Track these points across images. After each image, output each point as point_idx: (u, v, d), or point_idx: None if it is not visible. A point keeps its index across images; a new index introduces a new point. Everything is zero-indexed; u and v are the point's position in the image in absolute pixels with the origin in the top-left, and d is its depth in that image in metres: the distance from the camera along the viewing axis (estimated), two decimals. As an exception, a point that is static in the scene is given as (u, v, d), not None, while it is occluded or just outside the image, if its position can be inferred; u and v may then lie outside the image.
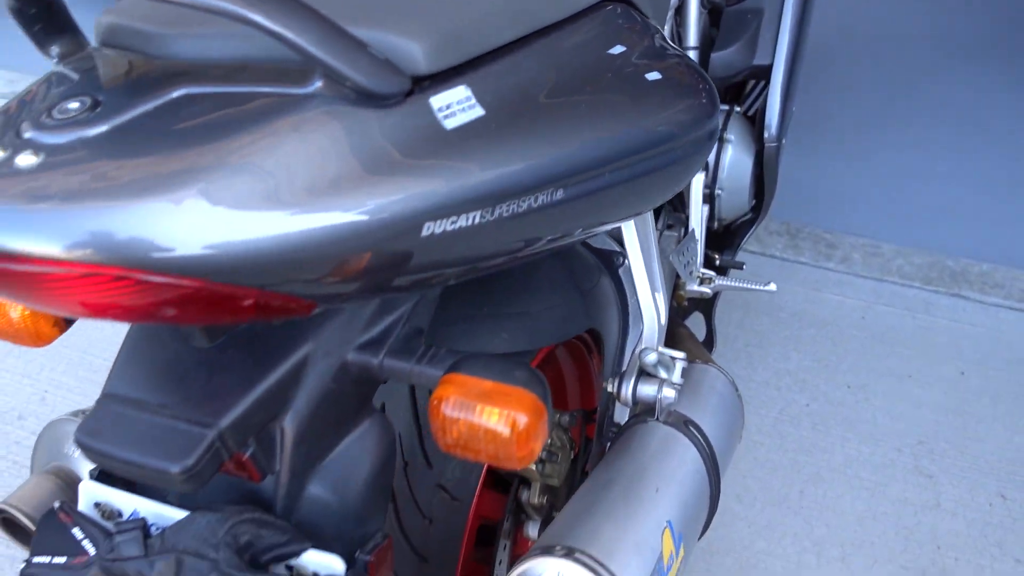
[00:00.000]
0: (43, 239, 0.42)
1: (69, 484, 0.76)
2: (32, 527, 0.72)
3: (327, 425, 0.58)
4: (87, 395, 1.71)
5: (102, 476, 0.65)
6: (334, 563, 0.56)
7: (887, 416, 1.60)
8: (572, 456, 1.03)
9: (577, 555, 0.61)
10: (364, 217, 0.48)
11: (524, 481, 0.97)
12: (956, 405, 1.62)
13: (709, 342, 1.46)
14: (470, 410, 0.52)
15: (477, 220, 0.54)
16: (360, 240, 0.48)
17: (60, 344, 1.82)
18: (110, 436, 0.53)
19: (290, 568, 0.58)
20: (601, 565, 0.60)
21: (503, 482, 1.00)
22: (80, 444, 0.54)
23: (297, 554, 0.57)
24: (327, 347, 0.57)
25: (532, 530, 1.00)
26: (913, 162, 2.24)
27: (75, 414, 0.78)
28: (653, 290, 0.94)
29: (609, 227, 0.72)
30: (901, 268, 1.87)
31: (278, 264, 0.46)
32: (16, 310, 0.64)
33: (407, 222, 0.50)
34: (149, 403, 0.54)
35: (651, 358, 0.85)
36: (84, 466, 0.76)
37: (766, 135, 1.33)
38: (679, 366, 0.92)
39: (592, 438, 1.13)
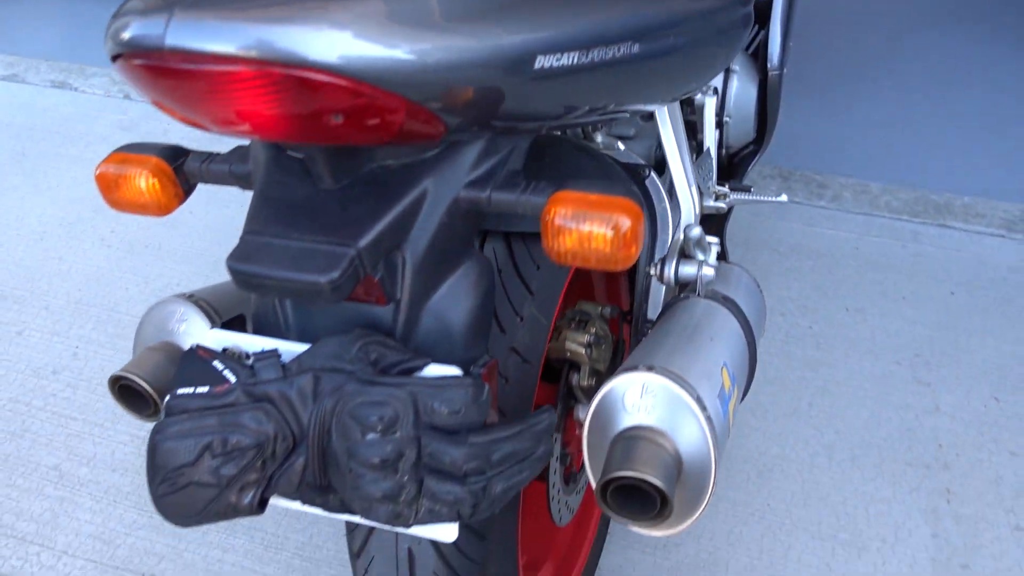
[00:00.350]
0: (238, 43, 0.49)
1: (176, 357, 0.82)
2: (150, 391, 0.78)
3: (440, 257, 0.66)
4: (117, 348, 1.77)
5: (225, 325, 0.72)
6: (454, 372, 0.64)
7: (884, 334, 1.71)
8: (612, 349, 1.12)
9: (658, 369, 0.69)
10: (492, 43, 0.56)
11: (573, 367, 1.06)
12: (947, 321, 1.73)
13: (723, 258, 1.55)
14: (580, 219, 0.60)
15: (575, 60, 0.62)
16: (488, 64, 0.56)
17: (86, 303, 1.87)
18: (260, 260, 0.61)
19: (412, 383, 0.66)
20: (680, 378, 0.68)
21: (554, 373, 1.08)
22: (233, 270, 0.61)
23: (420, 368, 0.65)
24: (441, 185, 0.64)
25: (581, 413, 1.08)
26: (894, 111, 2.36)
27: (178, 295, 0.85)
28: (687, 178, 1.03)
29: (664, 99, 0.80)
30: (889, 203, 1.97)
31: (420, 76, 0.54)
32: (146, 180, 0.71)
33: (525, 52, 0.58)
34: (291, 233, 0.62)
35: (695, 232, 0.94)
36: (189, 340, 0.83)
37: (769, 64, 1.42)
38: (714, 249, 1.00)
39: (625, 339, 1.22)
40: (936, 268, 1.84)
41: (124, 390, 0.80)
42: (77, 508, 1.50)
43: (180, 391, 0.67)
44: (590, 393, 1.06)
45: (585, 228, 0.60)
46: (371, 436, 0.61)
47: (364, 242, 0.60)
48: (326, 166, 0.62)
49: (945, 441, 1.52)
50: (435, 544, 0.83)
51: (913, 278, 1.82)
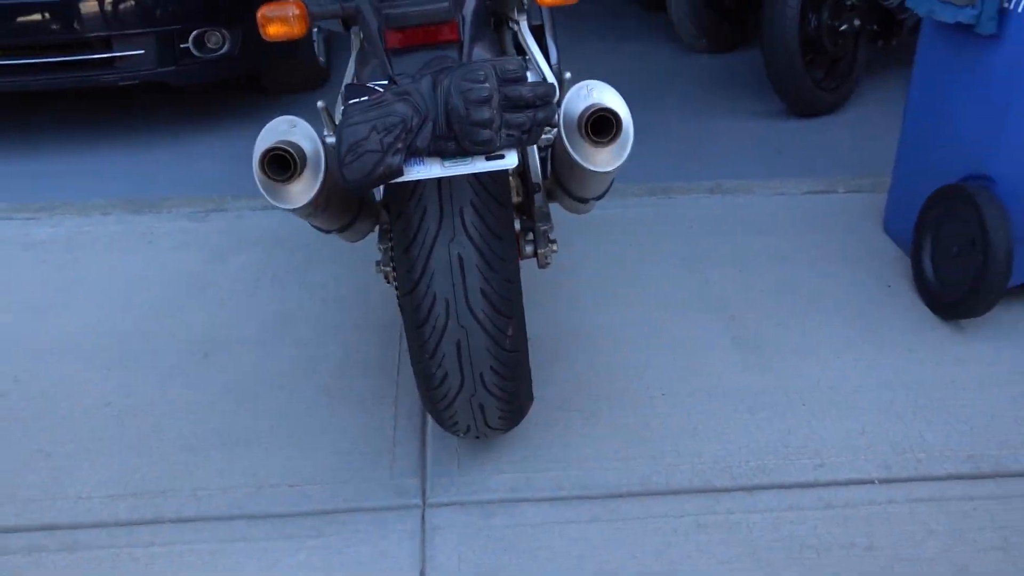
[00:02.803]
0: None
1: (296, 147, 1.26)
2: (294, 154, 1.21)
3: (478, 22, 1.23)
4: (247, 347, 1.95)
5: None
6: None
7: (661, 251, 2.44)
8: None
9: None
10: None
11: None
12: (690, 234, 2.50)
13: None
14: None
15: None
16: None
17: (194, 341, 2.03)
18: (401, 7, 1.14)
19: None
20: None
21: None
22: (388, 15, 1.14)
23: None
24: None
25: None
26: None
27: (283, 117, 1.29)
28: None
29: None
30: (617, 190, 2.79)
31: None
32: (292, 12, 1.21)
33: None
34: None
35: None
36: (302, 139, 1.27)
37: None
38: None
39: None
40: (678, 214, 2.64)
41: (272, 161, 1.22)
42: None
43: (351, 101, 1.15)
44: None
45: None
46: (476, 86, 1.14)
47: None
48: None
49: (723, 296, 2.23)
50: (479, 250, 1.32)
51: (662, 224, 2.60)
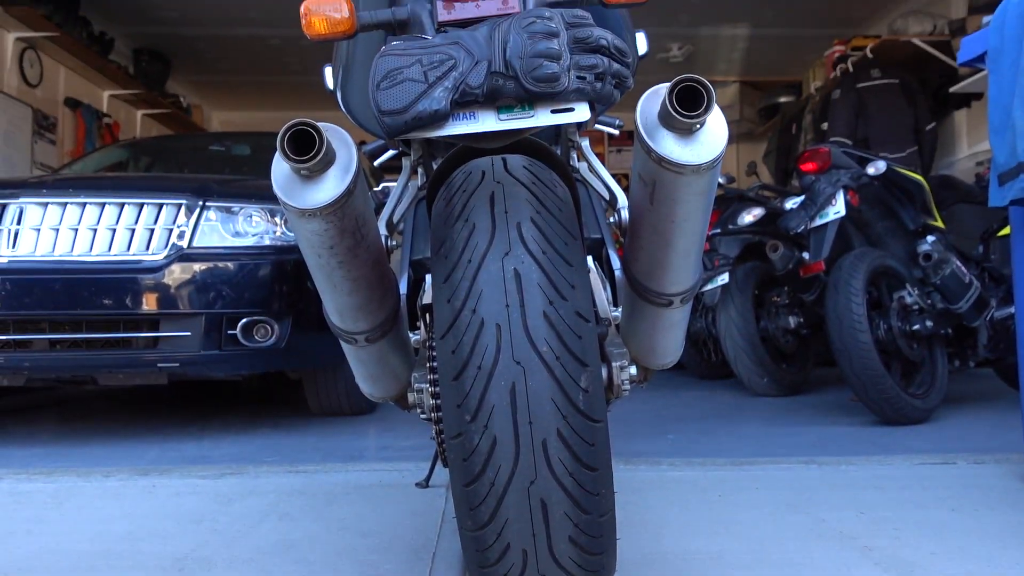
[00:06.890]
0: None
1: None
2: (321, 130, 1.00)
3: None
4: None
5: None
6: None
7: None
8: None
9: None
10: None
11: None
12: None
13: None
14: None
15: None
16: None
17: None
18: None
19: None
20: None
21: None
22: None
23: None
24: None
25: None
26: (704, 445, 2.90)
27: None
28: None
29: None
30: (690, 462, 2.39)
31: None
32: (342, 8, 1.10)
33: None
34: None
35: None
36: (337, 142, 1.06)
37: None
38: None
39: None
40: (770, 477, 2.21)
41: (292, 139, 1.01)
42: None
43: (394, 43, 0.98)
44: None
45: None
46: (540, 20, 0.97)
47: None
48: None
49: (847, 531, 1.74)
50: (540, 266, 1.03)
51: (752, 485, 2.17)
